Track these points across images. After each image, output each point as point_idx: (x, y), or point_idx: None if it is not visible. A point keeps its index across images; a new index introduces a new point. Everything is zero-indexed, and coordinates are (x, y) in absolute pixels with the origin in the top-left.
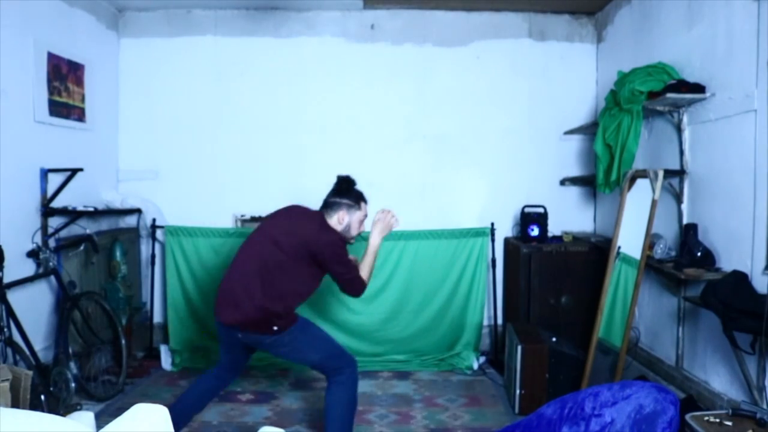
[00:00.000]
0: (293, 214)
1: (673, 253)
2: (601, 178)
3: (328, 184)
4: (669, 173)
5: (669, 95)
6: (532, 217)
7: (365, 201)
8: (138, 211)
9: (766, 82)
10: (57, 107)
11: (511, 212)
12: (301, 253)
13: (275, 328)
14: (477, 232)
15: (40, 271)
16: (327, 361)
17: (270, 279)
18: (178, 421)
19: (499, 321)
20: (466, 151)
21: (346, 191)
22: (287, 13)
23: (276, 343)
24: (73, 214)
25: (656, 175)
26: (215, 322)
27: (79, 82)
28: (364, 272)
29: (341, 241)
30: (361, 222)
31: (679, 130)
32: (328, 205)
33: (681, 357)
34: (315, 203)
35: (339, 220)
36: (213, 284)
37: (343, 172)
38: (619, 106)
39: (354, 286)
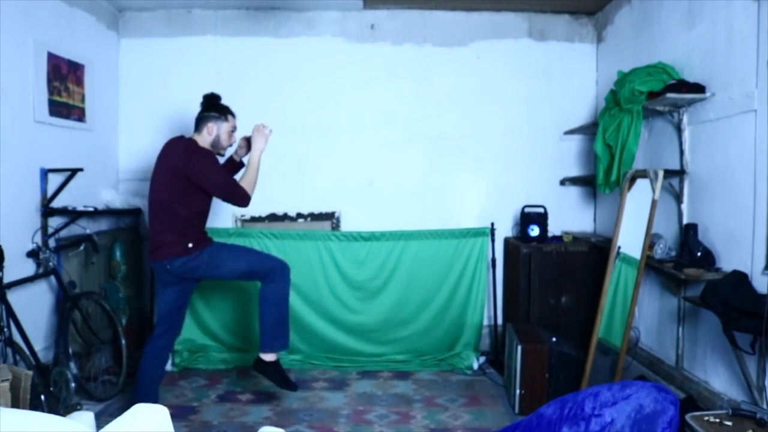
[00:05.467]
0: (166, 148)
1: (673, 253)
2: (601, 178)
3: (328, 184)
4: (669, 173)
5: (669, 95)
6: (532, 217)
7: (232, 114)
8: (138, 211)
9: (766, 82)
10: (57, 107)
11: (511, 212)
12: (177, 180)
13: (190, 245)
14: (477, 232)
15: (40, 271)
16: (255, 267)
17: (167, 215)
18: (149, 394)
19: (499, 321)
20: (465, 151)
21: (212, 106)
22: (287, 13)
23: (199, 262)
24: (73, 214)
25: (656, 175)
26: (152, 266)
27: (79, 82)
28: (243, 182)
29: (208, 154)
30: (230, 133)
31: (679, 130)
32: (198, 121)
33: (681, 357)
34: (315, 203)
35: (208, 131)
36: (213, 284)
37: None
38: (619, 106)
39: (236, 193)
